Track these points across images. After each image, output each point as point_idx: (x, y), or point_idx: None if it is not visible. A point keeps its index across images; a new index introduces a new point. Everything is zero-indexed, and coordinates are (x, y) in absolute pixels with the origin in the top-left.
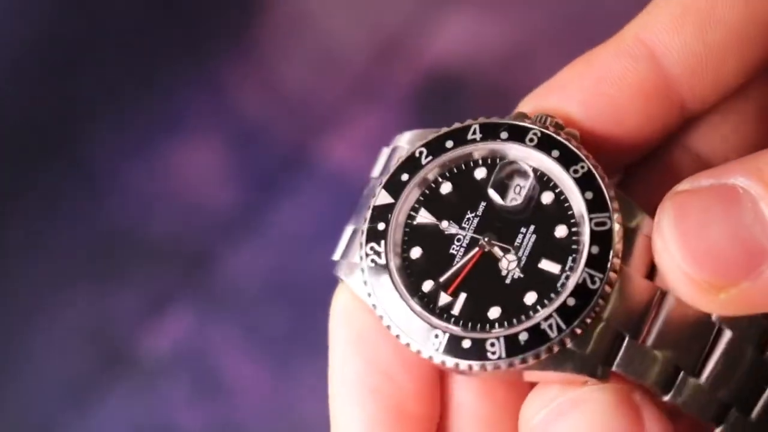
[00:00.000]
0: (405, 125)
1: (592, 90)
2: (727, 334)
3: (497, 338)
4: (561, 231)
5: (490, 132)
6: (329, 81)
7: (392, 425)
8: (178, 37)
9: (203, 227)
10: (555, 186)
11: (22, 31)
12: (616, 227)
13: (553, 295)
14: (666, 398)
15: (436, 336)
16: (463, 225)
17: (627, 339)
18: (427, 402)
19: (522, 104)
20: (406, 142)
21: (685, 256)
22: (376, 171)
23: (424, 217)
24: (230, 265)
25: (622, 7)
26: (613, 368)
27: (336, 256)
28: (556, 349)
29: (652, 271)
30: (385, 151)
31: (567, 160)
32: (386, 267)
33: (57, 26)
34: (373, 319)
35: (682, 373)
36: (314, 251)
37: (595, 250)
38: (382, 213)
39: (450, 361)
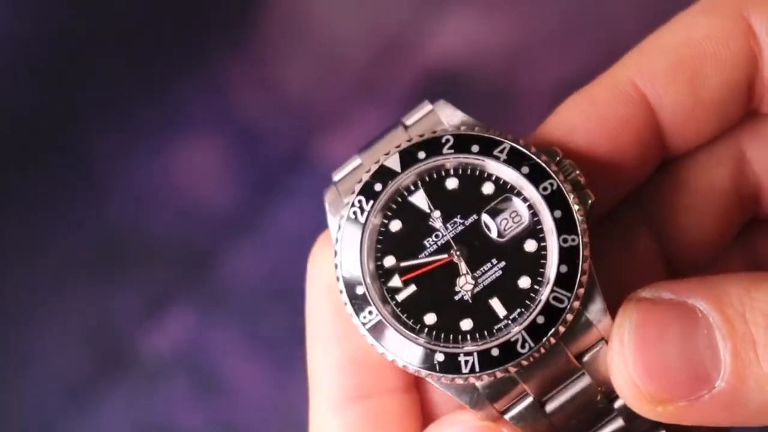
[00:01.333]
0: None
1: (598, 132)
2: (618, 422)
3: (419, 345)
4: (525, 282)
5: (515, 160)
6: (329, 81)
7: (363, 365)
8: (178, 36)
9: (203, 227)
10: (543, 239)
11: (22, 30)
12: (569, 314)
13: (486, 333)
14: None
15: (370, 312)
16: (448, 225)
17: (531, 399)
18: None
19: (531, 137)
20: (445, 117)
21: (638, 366)
22: (408, 119)
23: (419, 198)
24: (230, 265)
25: (621, 7)
26: (506, 417)
27: (335, 177)
28: (460, 381)
29: (582, 353)
30: (426, 107)
31: (564, 225)
32: (363, 226)
33: (56, 26)
34: None
35: None
36: None
37: (540, 319)
38: (384, 176)
39: (374, 343)
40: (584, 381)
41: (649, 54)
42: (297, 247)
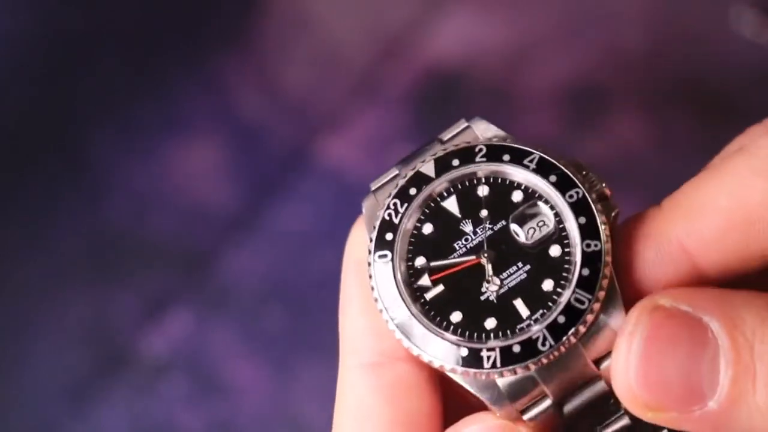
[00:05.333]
0: (405, 125)
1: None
2: (625, 419)
3: (444, 341)
4: (548, 285)
5: (543, 169)
6: (329, 81)
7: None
8: (178, 37)
9: (203, 227)
10: (567, 245)
11: (22, 30)
12: (590, 316)
13: (509, 332)
14: None
15: (399, 308)
16: (478, 230)
17: (550, 401)
18: None
19: None
20: (479, 131)
21: (639, 376)
22: (444, 135)
23: (451, 204)
24: (230, 265)
25: (620, 8)
26: (525, 417)
27: (373, 186)
28: (482, 377)
29: (600, 359)
30: (461, 123)
31: (588, 231)
32: (396, 227)
33: (57, 26)
34: None
35: None
36: (314, 251)
37: (561, 319)
38: (419, 181)
39: (403, 340)
40: (600, 385)
41: (698, 213)
42: (296, 247)
